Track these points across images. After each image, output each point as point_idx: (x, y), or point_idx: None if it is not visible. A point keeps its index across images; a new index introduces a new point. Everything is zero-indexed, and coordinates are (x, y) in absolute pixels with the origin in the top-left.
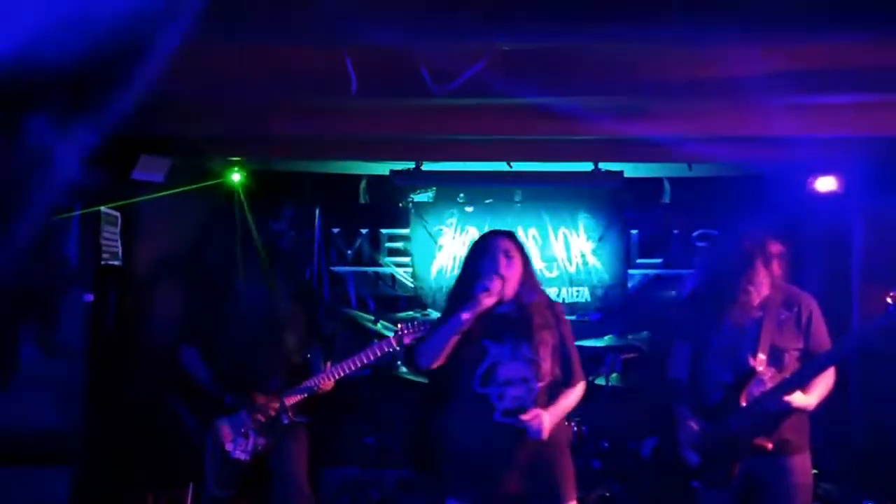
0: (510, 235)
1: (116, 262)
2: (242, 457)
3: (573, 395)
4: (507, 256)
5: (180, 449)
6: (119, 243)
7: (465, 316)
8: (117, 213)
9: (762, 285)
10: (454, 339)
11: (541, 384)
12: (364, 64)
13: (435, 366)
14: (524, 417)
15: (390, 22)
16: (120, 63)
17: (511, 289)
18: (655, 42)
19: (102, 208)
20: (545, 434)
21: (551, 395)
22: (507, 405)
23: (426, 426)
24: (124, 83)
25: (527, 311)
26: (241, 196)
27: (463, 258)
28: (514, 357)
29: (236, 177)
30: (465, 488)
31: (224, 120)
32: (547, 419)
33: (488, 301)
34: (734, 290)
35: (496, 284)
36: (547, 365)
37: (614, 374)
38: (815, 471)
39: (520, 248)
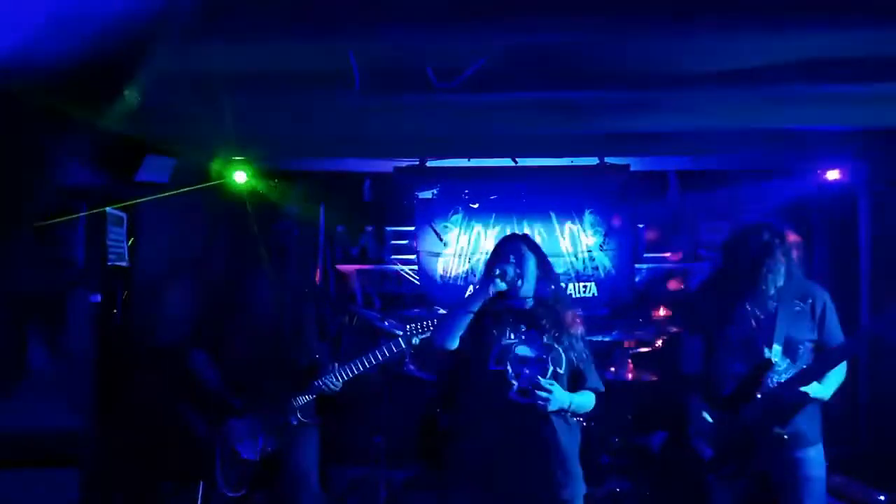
0: (523, 238)
1: (123, 263)
2: (252, 457)
3: (588, 397)
4: (519, 254)
5: (190, 449)
6: (125, 244)
7: (476, 298)
8: (123, 214)
9: (779, 276)
10: (467, 320)
11: (558, 368)
12: (368, 60)
13: (448, 346)
14: (541, 383)
15: (394, 18)
16: (121, 62)
17: (527, 285)
18: (661, 35)
19: (108, 209)
20: (549, 405)
21: (568, 385)
22: (523, 384)
23: (436, 424)
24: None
25: (544, 308)
26: (246, 195)
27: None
28: (530, 342)
29: (241, 176)
30: (473, 474)
31: (227, 119)
32: (559, 393)
33: (495, 289)
34: (754, 280)
35: (505, 273)
36: (564, 353)
37: (623, 369)
38: (826, 463)
39: (533, 249)
